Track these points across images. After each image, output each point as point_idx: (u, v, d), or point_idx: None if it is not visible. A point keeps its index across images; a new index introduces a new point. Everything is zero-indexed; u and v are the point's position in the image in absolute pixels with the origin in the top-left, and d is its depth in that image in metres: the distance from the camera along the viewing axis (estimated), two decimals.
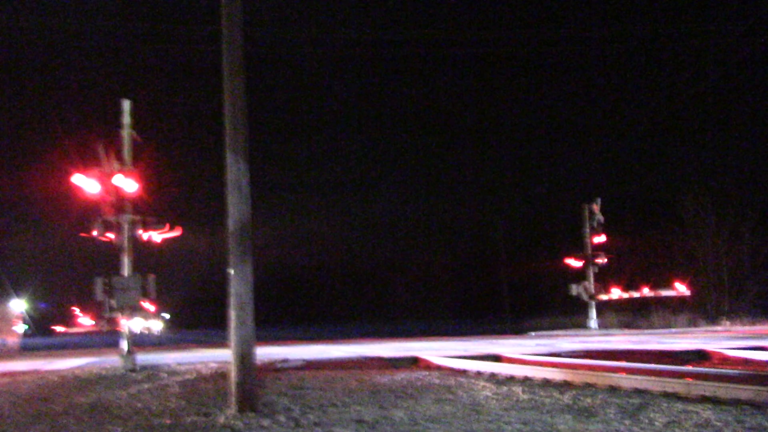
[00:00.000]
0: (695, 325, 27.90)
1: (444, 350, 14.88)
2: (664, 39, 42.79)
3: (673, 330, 25.80)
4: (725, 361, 11.51)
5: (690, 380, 7.36)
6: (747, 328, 24.60)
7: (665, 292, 30.01)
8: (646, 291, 30.36)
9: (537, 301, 42.51)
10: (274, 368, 11.88)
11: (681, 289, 29.86)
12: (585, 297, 30.15)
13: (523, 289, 46.52)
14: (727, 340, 15.63)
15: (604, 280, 30.72)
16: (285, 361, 12.77)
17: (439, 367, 11.60)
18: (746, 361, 11.09)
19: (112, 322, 13.72)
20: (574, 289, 30.34)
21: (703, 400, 6.53)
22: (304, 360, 13.07)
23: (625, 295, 30.61)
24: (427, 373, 10.71)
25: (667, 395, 6.91)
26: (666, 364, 10.81)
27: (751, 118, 38.64)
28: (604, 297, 30.53)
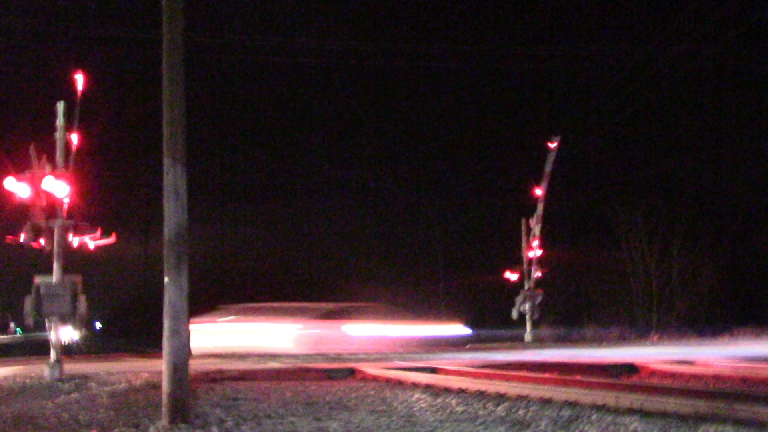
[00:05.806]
0: (626, 339, 28.59)
1: (381, 361, 14.88)
2: (607, 56, 43.99)
3: (605, 343, 26.38)
4: (653, 374, 11.83)
5: (619, 393, 7.53)
6: (675, 342, 25.35)
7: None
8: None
9: (474, 313, 42.91)
10: (209, 379, 11.67)
11: None
12: (527, 306, 30.05)
13: (461, 302, 46.96)
14: (655, 354, 16.07)
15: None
16: (220, 371, 12.56)
17: (375, 378, 11.59)
18: (673, 374, 11.42)
19: (39, 329, 13.28)
20: (519, 306, 30.40)
21: (632, 412, 6.69)
22: (239, 371, 12.89)
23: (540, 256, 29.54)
24: (364, 384, 10.69)
25: (597, 407, 7.05)
26: (597, 376, 11.06)
27: (683, 136, 40.10)
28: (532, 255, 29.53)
